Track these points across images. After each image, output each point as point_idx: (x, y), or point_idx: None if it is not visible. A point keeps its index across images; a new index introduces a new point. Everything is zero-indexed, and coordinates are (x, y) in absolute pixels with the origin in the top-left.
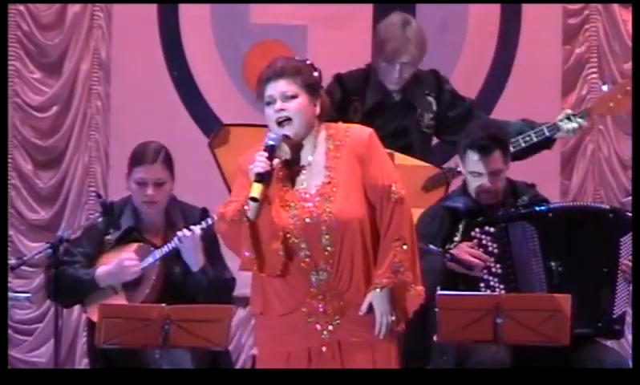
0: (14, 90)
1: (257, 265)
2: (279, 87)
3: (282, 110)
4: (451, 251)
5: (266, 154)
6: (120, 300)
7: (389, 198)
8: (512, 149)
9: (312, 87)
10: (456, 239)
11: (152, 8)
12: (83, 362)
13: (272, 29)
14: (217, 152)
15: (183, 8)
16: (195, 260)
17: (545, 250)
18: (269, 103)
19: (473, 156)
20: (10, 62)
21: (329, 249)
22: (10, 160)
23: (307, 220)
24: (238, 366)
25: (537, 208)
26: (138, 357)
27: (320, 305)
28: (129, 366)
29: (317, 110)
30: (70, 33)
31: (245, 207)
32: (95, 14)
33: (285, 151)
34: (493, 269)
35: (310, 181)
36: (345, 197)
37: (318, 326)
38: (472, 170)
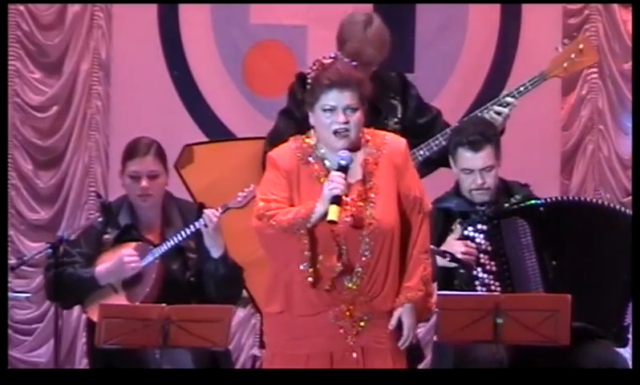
0: (14, 90)
1: (313, 279)
2: (344, 99)
3: (347, 123)
4: (443, 249)
5: (344, 174)
6: (120, 299)
7: (420, 210)
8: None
9: (366, 100)
10: (449, 239)
11: (152, 8)
12: (83, 362)
13: (272, 29)
14: (183, 173)
15: (183, 8)
16: (218, 245)
17: (539, 245)
18: (326, 110)
19: (464, 153)
20: (10, 62)
21: (367, 254)
22: (10, 160)
23: (350, 223)
24: (238, 366)
25: (528, 203)
26: (138, 357)
27: (348, 310)
28: (129, 366)
29: (363, 120)
30: (70, 33)
31: (310, 220)
32: (95, 14)
33: (357, 171)
34: (488, 267)
35: (350, 186)
36: (386, 204)
37: (343, 331)
38: (464, 167)
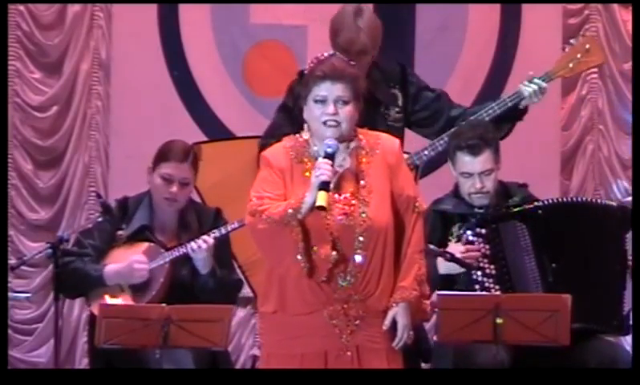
0: (14, 90)
1: (307, 270)
2: (336, 91)
3: (336, 114)
4: (443, 250)
5: (330, 162)
6: (126, 298)
7: (413, 209)
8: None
9: (360, 96)
10: (451, 245)
11: (152, 8)
12: (83, 362)
13: (272, 29)
14: None
15: (183, 8)
16: (204, 264)
17: (537, 248)
18: (317, 101)
19: (463, 157)
20: (10, 62)
21: (360, 253)
22: (10, 160)
23: (344, 222)
24: (238, 366)
25: (527, 206)
26: (138, 357)
27: (342, 309)
28: (129, 366)
29: (356, 116)
30: (70, 33)
31: (300, 211)
32: (95, 14)
33: (347, 160)
34: (487, 270)
35: (344, 184)
36: (380, 203)
37: (337, 330)
38: (463, 171)
